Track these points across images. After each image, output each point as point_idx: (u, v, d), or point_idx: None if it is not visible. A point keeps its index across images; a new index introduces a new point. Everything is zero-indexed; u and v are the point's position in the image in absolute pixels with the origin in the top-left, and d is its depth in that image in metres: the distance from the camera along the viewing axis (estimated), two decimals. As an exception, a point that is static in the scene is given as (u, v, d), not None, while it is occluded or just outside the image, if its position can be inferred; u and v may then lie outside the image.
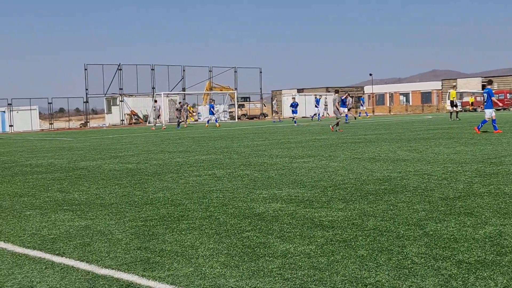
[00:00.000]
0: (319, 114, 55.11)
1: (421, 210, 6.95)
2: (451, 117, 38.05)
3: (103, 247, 5.78)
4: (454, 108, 38.06)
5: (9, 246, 6.01)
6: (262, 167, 12.40)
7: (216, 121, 44.99)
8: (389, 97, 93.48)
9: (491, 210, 6.77)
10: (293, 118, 42.61)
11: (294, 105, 43.69)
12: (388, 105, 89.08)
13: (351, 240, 5.62)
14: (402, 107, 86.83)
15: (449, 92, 38.37)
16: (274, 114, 58.24)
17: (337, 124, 28.18)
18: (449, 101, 38.68)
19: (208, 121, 47.51)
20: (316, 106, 57.24)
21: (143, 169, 13.06)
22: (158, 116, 46.61)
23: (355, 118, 49.79)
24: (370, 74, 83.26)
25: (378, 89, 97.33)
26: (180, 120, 43.97)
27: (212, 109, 45.37)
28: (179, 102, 51.04)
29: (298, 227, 6.30)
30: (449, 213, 6.70)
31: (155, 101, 50.30)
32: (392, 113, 75.14)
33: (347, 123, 34.50)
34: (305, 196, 8.33)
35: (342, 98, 37.34)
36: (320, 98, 59.17)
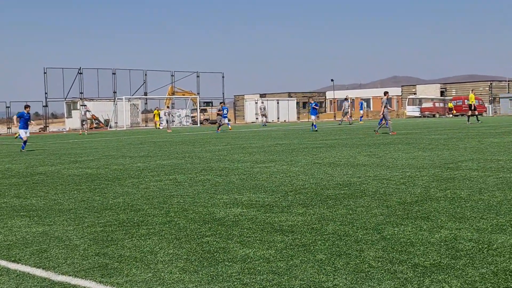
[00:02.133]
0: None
1: (379, 215, 7.04)
2: (468, 120, 38.17)
3: (60, 254, 5.71)
4: (471, 112, 38.35)
5: (-37, 253, 5.89)
6: (224, 172, 12.40)
7: (228, 124, 42.63)
8: (351, 102, 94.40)
9: (447, 214, 6.90)
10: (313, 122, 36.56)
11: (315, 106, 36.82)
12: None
13: (310, 245, 5.67)
14: (364, 113, 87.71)
15: (469, 96, 38.66)
16: (264, 117, 58.06)
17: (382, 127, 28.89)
18: (468, 104, 39.01)
19: (226, 124, 42.75)
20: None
21: (103, 174, 12.93)
22: (84, 121, 45.41)
23: (350, 123, 48.80)
24: (332, 80, 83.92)
25: (340, 94, 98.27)
26: (220, 123, 41.08)
27: (224, 111, 41.74)
28: (220, 103, 47.37)
29: (258, 232, 6.33)
30: (406, 217, 6.80)
31: (84, 105, 49.22)
32: (353, 118, 75.80)
33: (316, 130, 33.92)
34: (265, 201, 8.36)
35: (314, 104, 36.75)
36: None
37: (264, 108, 59.54)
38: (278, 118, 74.30)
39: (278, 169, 12.59)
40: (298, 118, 78.36)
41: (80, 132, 44.60)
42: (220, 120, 40.53)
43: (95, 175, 12.89)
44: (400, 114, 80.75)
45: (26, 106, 24.48)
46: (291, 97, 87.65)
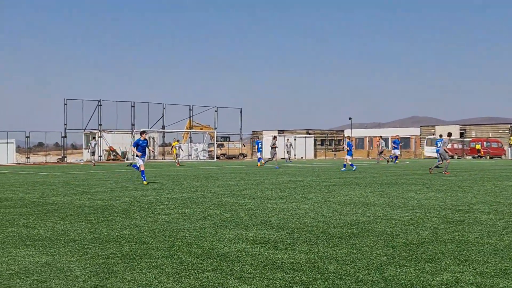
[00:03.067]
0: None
1: (383, 255, 6.98)
2: None
3: (60, 285, 5.72)
4: None
5: (-36, 281, 5.92)
6: (233, 207, 12.39)
7: (260, 159, 41.04)
8: (368, 141, 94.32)
9: (451, 257, 6.82)
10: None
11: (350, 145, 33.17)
12: (367, 149, 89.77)
13: (309, 283, 5.62)
14: (372, 151, 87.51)
15: (510, 138, 39.40)
16: (288, 154, 57.88)
17: (437, 167, 28.07)
18: (509, 143, 39.78)
19: (260, 159, 41.17)
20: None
21: (114, 206, 12.98)
22: (93, 153, 46.19)
23: (388, 162, 46.14)
24: (350, 118, 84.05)
25: (358, 133, 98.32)
26: (271, 158, 39.77)
27: (260, 145, 41.50)
28: (274, 137, 45.31)
29: (259, 269, 6.29)
30: (410, 259, 6.73)
31: (94, 138, 49.80)
32: (370, 157, 75.57)
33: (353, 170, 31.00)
34: (271, 238, 8.33)
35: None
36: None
37: (291, 145, 59.47)
38: (295, 155, 74.27)
39: (288, 206, 12.56)
40: (315, 155, 78.23)
41: (93, 164, 45.00)
42: (274, 155, 40.30)
43: (106, 206, 12.95)
44: (418, 154, 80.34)
45: (142, 132, 22.52)
46: (309, 134, 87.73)
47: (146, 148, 22.40)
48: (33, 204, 13.64)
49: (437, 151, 28.58)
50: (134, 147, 22.22)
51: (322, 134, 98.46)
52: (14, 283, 5.81)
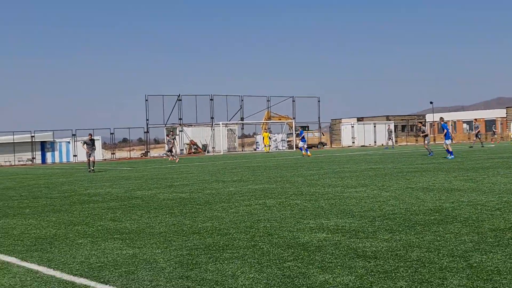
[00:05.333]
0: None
1: (469, 241, 6.81)
2: None
3: (147, 276, 5.91)
4: None
5: (58, 274, 6.21)
6: (313, 197, 12.39)
7: (307, 150, 40.69)
8: (452, 125, 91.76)
9: (541, 242, 6.57)
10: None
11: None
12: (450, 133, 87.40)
13: (392, 271, 5.56)
14: (465, 135, 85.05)
15: None
16: (390, 141, 57.59)
17: None
18: None
19: (301, 148, 40.96)
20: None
21: (196, 199, 13.25)
22: (171, 149, 46.29)
23: (482, 145, 44.86)
24: (431, 102, 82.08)
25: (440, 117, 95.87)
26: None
27: (302, 136, 41.15)
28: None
29: (340, 258, 6.28)
30: (497, 245, 6.54)
31: (171, 132, 50.15)
32: (454, 142, 73.60)
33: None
34: (352, 226, 8.29)
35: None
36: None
37: (391, 131, 58.89)
38: (375, 142, 73.28)
39: (369, 194, 12.43)
40: (396, 141, 76.93)
41: (170, 159, 45.55)
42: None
43: (188, 199, 13.24)
44: (504, 136, 77.54)
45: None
46: (389, 120, 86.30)
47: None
48: (120, 199, 14.11)
49: None
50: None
51: (403, 119, 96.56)
52: (104, 274, 6.04)
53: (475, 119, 48.49)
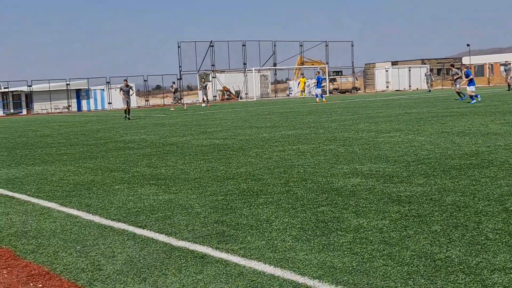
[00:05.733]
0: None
1: (505, 186, 6.74)
2: None
3: (183, 220, 6.01)
4: None
5: (96, 218, 6.36)
6: (347, 142, 12.35)
7: (322, 96, 40.72)
8: (489, 68, 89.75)
9: None
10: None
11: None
12: (487, 76, 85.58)
13: (426, 216, 5.56)
14: (503, 78, 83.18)
15: None
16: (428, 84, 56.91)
17: None
18: None
19: (317, 95, 40.78)
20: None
21: (229, 145, 13.33)
22: (206, 94, 46.04)
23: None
24: (468, 45, 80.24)
25: (477, 60, 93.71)
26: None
27: (320, 82, 40.59)
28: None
29: (374, 202, 6.29)
30: (534, 189, 6.46)
31: (203, 79, 49.75)
32: (491, 85, 72.16)
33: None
34: (386, 171, 8.26)
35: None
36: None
37: (430, 75, 58.19)
38: (409, 86, 72.26)
39: (403, 139, 12.34)
40: (431, 85, 75.74)
41: (203, 105, 45.37)
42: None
43: (222, 145, 13.32)
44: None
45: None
46: (424, 63, 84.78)
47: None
48: (154, 145, 14.27)
49: None
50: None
51: (438, 63, 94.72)
52: (141, 219, 6.17)
53: (507, 61, 46.87)
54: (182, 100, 44.45)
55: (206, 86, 47.76)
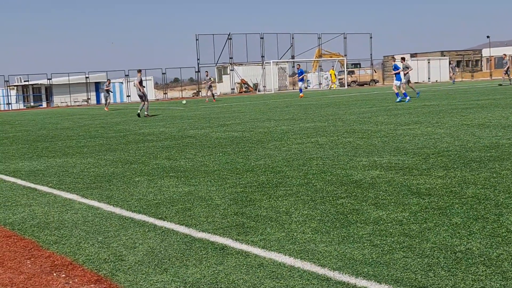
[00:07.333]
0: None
1: (526, 178, 6.70)
2: None
3: (202, 212, 6.06)
4: None
5: (117, 210, 6.43)
6: (366, 134, 12.32)
7: (301, 90, 40.49)
8: (509, 59, 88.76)
9: None
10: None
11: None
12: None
13: (446, 208, 5.54)
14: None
15: None
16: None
17: None
18: None
19: (300, 90, 40.96)
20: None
21: (248, 137, 13.35)
22: (210, 87, 45.15)
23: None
24: (488, 36, 79.42)
25: (497, 51, 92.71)
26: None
27: (300, 74, 40.18)
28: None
29: (393, 195, 6.28)
30: (556, 181, 6.41)
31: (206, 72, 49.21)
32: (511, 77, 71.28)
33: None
34: (405, 164, 8.24)
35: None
36: None
37: (454, 67, 58.03)
38: (429, 78, 71.75)
39: (423, 131, 12.28)
40: (451, 77, 75.14)
41: (207, 100, 44.05)
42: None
43: (240, 138, 13.35)
44: None
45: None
46: (444, 55, 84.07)
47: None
48: (173, 138, 14.35)
49: None
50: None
51: (458, 55, 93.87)
52: (161, 211, 6.22)
53: (504, 54, 45.98)
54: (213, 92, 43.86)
55: (210, 79, 46.93)
